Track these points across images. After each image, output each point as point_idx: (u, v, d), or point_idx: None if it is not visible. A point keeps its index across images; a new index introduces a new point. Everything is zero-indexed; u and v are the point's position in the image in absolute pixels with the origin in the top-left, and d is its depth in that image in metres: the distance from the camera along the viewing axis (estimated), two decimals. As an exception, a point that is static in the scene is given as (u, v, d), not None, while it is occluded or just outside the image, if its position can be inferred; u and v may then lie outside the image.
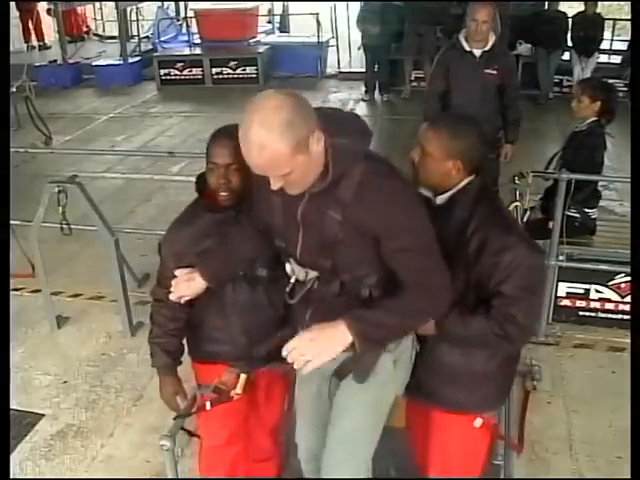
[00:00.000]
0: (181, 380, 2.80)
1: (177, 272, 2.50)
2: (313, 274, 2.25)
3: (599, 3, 10.54)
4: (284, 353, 2.08)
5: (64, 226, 4.68)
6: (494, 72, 5.11)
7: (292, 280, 2.32)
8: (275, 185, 1.99)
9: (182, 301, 2.53)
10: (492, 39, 5.11)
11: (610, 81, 10.87)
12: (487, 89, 5.13)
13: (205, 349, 2.76)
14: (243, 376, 2.62)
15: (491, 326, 2.36)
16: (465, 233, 2.37)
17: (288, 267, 2.33)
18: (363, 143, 2.14)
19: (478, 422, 2.59)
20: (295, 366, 2.08)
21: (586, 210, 4.69)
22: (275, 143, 1.83)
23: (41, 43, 15.30)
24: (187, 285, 2.48)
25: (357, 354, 2.19)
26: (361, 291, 2.22)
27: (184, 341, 2.80)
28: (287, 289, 2.34)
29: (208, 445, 2.96)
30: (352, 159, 2.06)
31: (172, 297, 2.50)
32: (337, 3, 13.28)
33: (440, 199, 2.47)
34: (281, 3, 15.57)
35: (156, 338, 2.72)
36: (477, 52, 5.12)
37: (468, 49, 5.14)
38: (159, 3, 15.68)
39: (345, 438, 2.40)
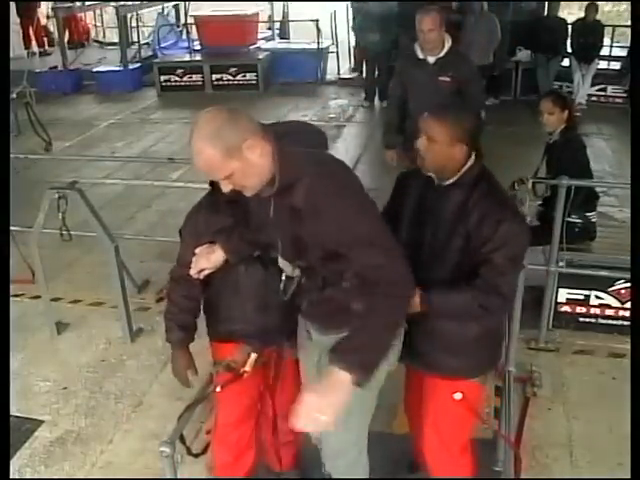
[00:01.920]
0: (192, 356, 2.99)
1: (197, 250, 2.68)
2: (297, 271, 2.46)
3: (598, 10, 10.56)
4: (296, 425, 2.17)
5: (64, 232, 4.68)
6: (447, 79, 5.00)
7: (283, 277, 2.54)
8: (224, 187, 2.21)
9: (201, 276, 2.70)
10: (447, 45, 5.04)
11: (610, 87, 10.98)
12: (442, 96, 4.92)
13: (221, 328, 2.95)
14: (253, 355, 2.77)
15: (475, 297, 2.53)
16: (467, 207, 2.56)
17: (280, 261, 2.53)
18: (320, 150, 2.39)
19: (458, 396, 2.76)
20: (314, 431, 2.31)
21: (587, 214, 4.69)
22: (207, 149, 2.09)
23: (41, 49, 15.34)
24: (207, 258, 2.66)
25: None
26: (342, 284, 2.36)
27: (197, 320, 2.98)
28: (281, 286, 2.55)
29: (222, 423, 3.15)
30: (303, 167, 2.22)
31: (192, 271, 2.68)
32: (337, 9, 13.30)
33: (448, 182, 2.63)
34: (281, 10, 15.60)
35: (172, 314, 2.93)
36: (431, 59, 5.07)
37: (421, 57, 5.10)
38: (159, 9, 15.70)
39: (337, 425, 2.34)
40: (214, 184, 2.71)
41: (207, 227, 2.74)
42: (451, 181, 2.62)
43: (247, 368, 2.78)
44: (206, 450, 3.59)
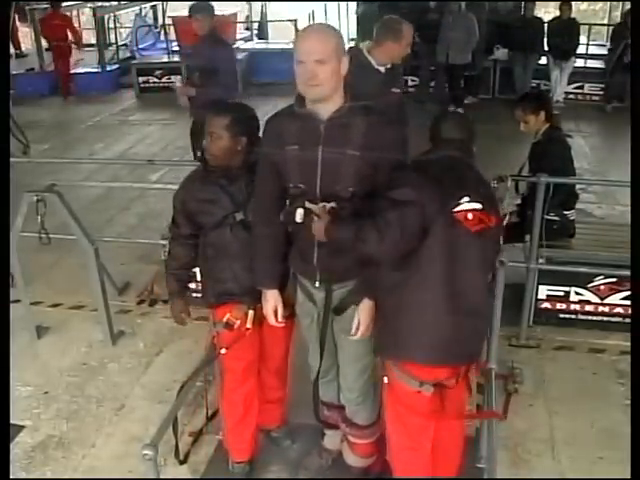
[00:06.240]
0: (188, 304, 3.39)
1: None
2: (329, 206, 2.67)
3: (572, 8, 10.64)
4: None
5: (43, 235, 4.64)
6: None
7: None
8: (307, 75, 2.52)
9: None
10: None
11: (587, 85, 11.04)
12: None
13: (215, 291, 3.19)
14: (251, 312, 3.07)
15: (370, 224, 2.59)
16: None
17: (299, 213, 2.68)
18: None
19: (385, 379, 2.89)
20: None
21: (565, 212, 4.71)
22: (333, 38, 2.56)
23: (17, 51, 15.18)
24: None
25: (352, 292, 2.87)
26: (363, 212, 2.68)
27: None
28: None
29: (229, 384, 3.34)
30: (362, 102, 2.66)
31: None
32: (315, 9, 13.30)
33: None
34: (259, 10, 15.56)
35: (172, 268, 3.33)
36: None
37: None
38: (137, 10, 15.61)
39: (354, 374, 3.08)
40: (205, 161, 3.08)
41: (194, 195, 3.08)
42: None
43: (249, 325, 3.07)
44: (187, 459, 3.61)
